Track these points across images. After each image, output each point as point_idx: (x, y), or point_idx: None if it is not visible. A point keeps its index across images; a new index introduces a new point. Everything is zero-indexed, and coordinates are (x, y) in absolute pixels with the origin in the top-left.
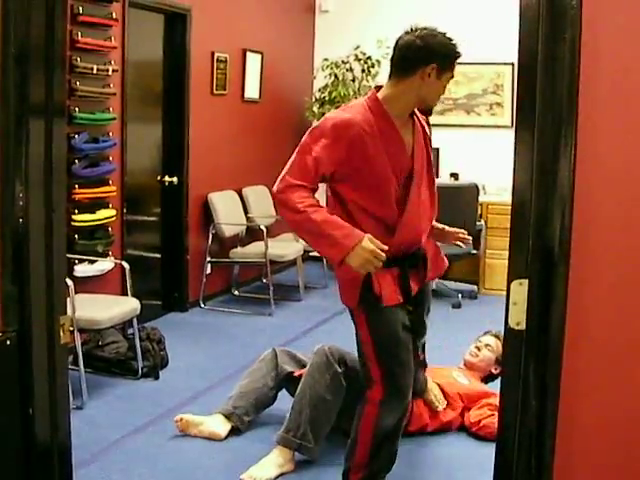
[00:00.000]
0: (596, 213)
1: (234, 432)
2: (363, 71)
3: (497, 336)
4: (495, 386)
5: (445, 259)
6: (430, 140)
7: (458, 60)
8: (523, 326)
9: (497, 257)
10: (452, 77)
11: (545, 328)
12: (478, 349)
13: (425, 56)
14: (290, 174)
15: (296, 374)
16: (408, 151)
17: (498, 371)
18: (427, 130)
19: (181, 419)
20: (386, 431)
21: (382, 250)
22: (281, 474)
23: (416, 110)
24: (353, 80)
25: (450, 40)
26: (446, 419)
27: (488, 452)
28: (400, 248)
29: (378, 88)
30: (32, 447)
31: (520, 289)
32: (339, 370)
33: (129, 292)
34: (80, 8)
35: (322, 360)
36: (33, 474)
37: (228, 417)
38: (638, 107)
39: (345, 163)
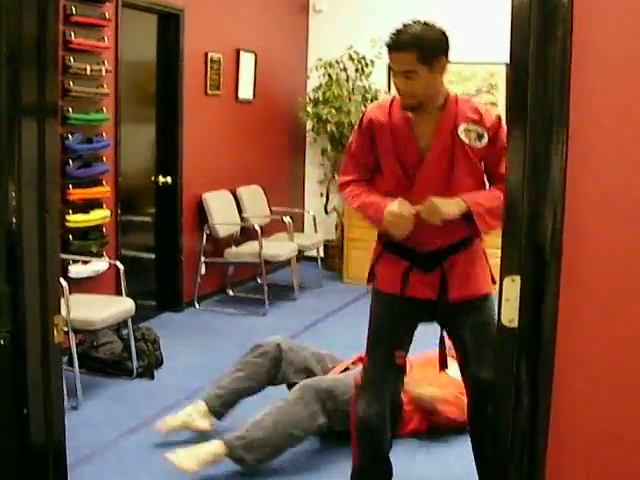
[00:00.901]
0: (588, 210)
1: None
2: (357, 71)
3: None
4: None
5: (483, 285)
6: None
7: (389, 50)
8: (515, 323)
9: (491, 256)
10: (394, 70)
11: (537, 325)
12: None
13: None
14: (340, 173)
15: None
16: (420, 143)
17: None
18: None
19: (165, 430)
20: (361, 421)
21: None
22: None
23: (463, 105)
24: (347, 80)
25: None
26: (451, 416)
27: None
28: (406, 240)
29: None
30: (27, 447)
31: (512, 286)
32: (319, 411)
33: (123, 292)
34: (73, 8)
35: (304, 397)
36: (28, 474)
37: (211, 409)
38: (629, 104)
39: (373, 150)
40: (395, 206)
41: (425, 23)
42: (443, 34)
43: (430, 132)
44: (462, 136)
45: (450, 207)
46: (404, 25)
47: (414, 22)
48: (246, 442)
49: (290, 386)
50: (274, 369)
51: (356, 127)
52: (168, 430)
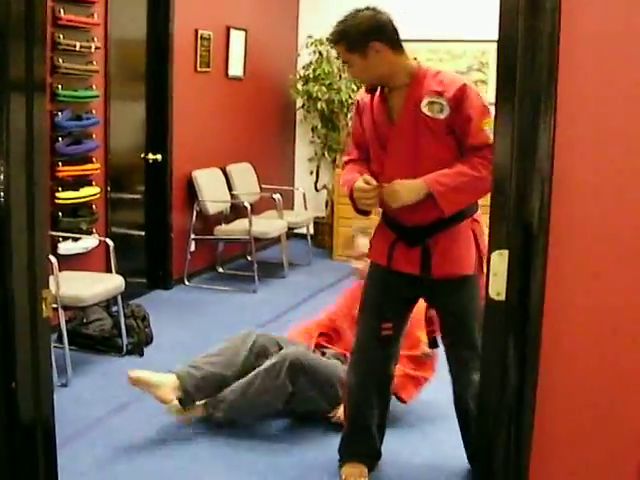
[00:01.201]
0: (575, 186)
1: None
2: None
3: None
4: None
5: (466, 265)
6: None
7: (331, 42)
8: (503, 297)
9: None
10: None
11: (525, 298)
12: None
13: None
14: (344, 153)
15: None
16: (392, 119)
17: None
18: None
19: (135, 378)
20: (345, 388)
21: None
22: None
23: (431, 78)
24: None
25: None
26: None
27: None
28: (392, 214)
29: None
30: (15, 422)
31: (500, 259)
32: (288, 384)
33: (113, 269)
34: None
35: (278, 367)
36: (17, 449)
37: (184, 391)
38: (618, 80)
39: (363, 131)
40: (360, 181)
41: (357, 11)
42: (373, 20)
43: (399, 107)
44: (425, 109)
45: (408, 193)
46: (341, 18)
47: (352, 12)
48: (212, 399)
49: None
50: (253, 360)
51: (353, 111)
52: (134, 381)
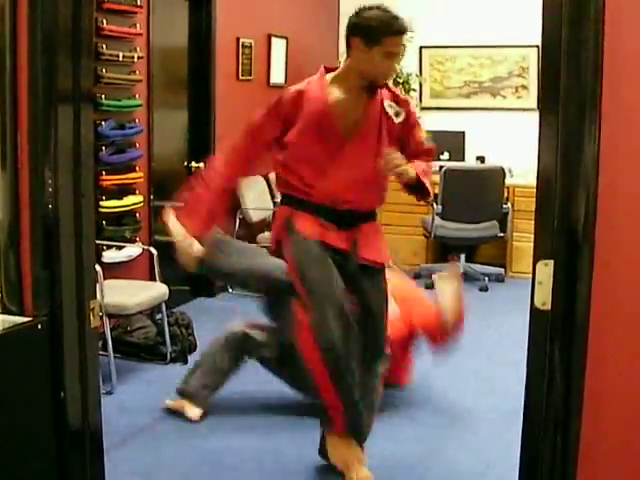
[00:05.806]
0: (620, 193)
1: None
2: None
3: None
4: None
5: (383, 256)
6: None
7: (392, 36)
8: (549, 306)
9: (524, 240)
10: (391, 53)
11: (570, 308)
12: None
13: (351, 29)
14: None
15: None
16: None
17: None
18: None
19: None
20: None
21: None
22: None
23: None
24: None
25: (382, 14)
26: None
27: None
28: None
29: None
30: (64, 430)
31: (545, 269)
32: None
33: (157, 277)
34: None
35: None
36: (65, 456)
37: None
38: None
39: None
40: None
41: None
42: (355, 16)
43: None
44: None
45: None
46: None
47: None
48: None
49: None
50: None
51: None
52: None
